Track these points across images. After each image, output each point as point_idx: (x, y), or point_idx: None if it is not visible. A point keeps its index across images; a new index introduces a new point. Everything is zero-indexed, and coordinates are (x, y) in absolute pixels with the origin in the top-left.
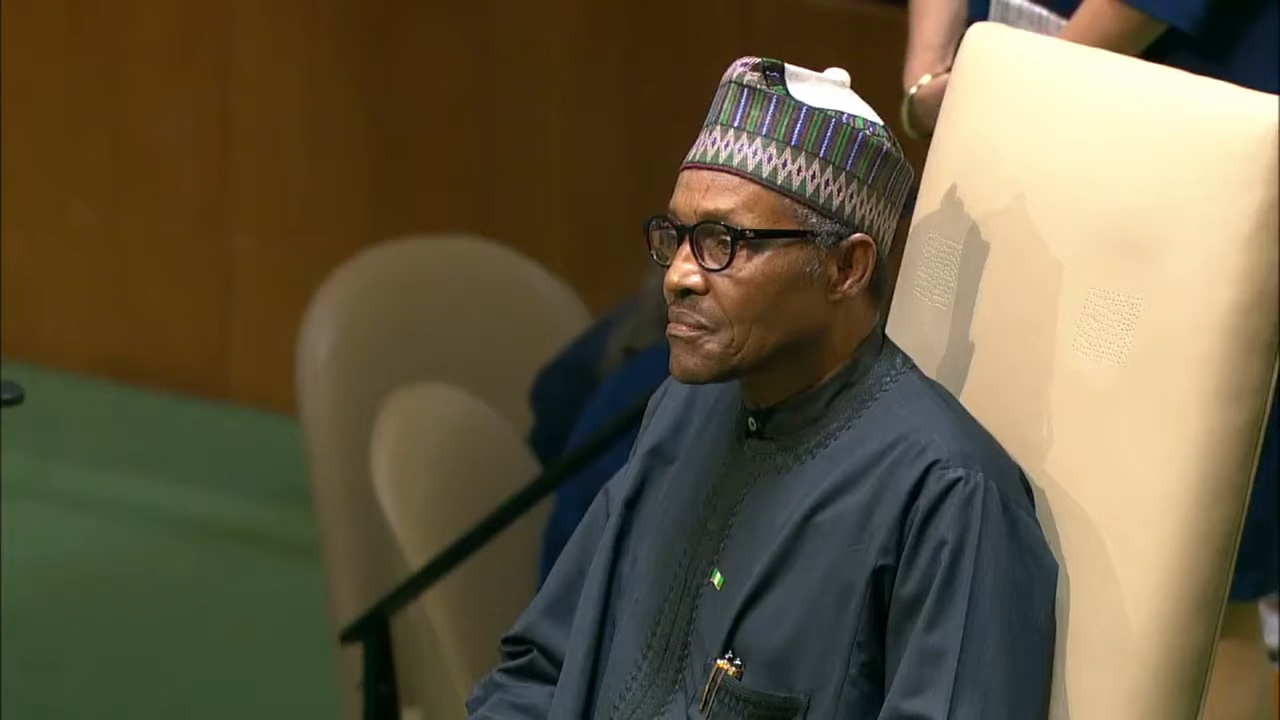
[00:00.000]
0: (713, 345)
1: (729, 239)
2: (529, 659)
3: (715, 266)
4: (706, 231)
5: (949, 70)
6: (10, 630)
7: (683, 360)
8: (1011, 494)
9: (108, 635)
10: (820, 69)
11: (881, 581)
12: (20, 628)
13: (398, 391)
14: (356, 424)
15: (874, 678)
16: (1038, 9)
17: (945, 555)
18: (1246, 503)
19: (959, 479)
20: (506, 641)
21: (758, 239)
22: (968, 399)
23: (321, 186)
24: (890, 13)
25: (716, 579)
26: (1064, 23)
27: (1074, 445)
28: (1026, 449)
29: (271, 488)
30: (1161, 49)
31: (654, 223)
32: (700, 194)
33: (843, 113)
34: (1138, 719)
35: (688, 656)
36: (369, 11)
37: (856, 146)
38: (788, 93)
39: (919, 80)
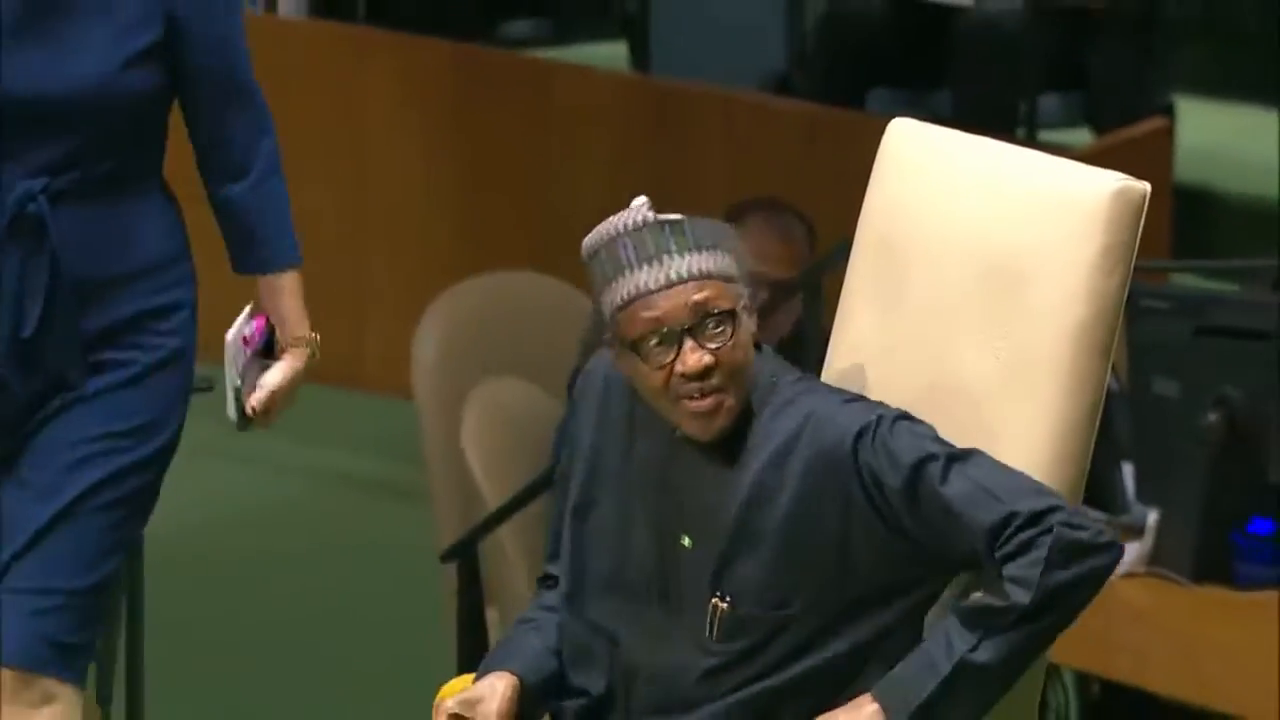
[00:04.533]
0: (732, 402)
1: (726, 322)
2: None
3: (718, 345)
4: (702, 324)
5: None
6: (199, 556)
7: (712, 424)
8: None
9: (274, 561)
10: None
11: (856, 507)
12: (209, 555)
13: (482, 383)
14: (453, 406)
15: (854, 579)
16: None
17: (902, 456)
18: (1088, 466)
19: (869, 421)
20: (542, 580)
21: (735, 314)
22: (888, 390)
23: (432, 232)
24: (840, 113)
25: (686, 541)
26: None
27: (965, 424)
28: (937, 424)
29: (396, 452)
30: None
31: (644, 345)
32: (682, 301)
33: (683, 216)
34: None
35: (677, 604)
36: (465, 103)
37: (710, 228)
38: (659, 220)
39: None
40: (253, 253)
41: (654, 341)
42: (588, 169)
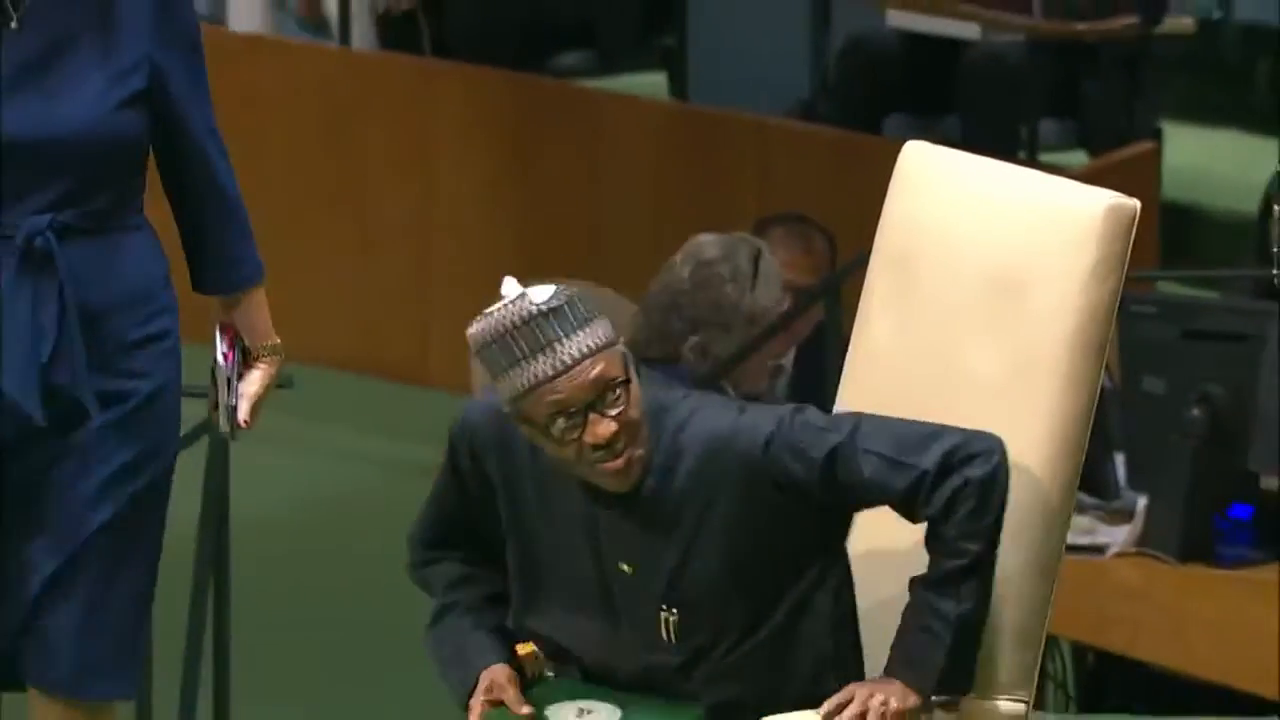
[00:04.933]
0: (640, 452)
1: (621, 388)
2: (447, 554)
3: (617, 411)
4: (602, 397)
5: None
6: (280, 540)
7: (629, 478)
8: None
9: (350, 545)
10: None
11: (780, 508)
12: (290, 539)
13: None
14: None
15: (785, 563)
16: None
17: (810, 453)
18: (1084, 457)
19: (771, 431)
20: (420, 545)
21: (628, 380)
22: (903, 387)
23: (492, 244)
24: (859, 137)
25: (625, 568)
26: None
27: (972, 419)
28: (946, 418)
29: None
30: None
31: (552, 426)
32: (580, 382)
33: (565, 293)
34: (1012, 606)
35: (617, 618)
36: (522, 127)
37: (585, 301)
38: (540, 309)
39: None
40: (226, 273)
41: (560, 422)
42: (633, 187)
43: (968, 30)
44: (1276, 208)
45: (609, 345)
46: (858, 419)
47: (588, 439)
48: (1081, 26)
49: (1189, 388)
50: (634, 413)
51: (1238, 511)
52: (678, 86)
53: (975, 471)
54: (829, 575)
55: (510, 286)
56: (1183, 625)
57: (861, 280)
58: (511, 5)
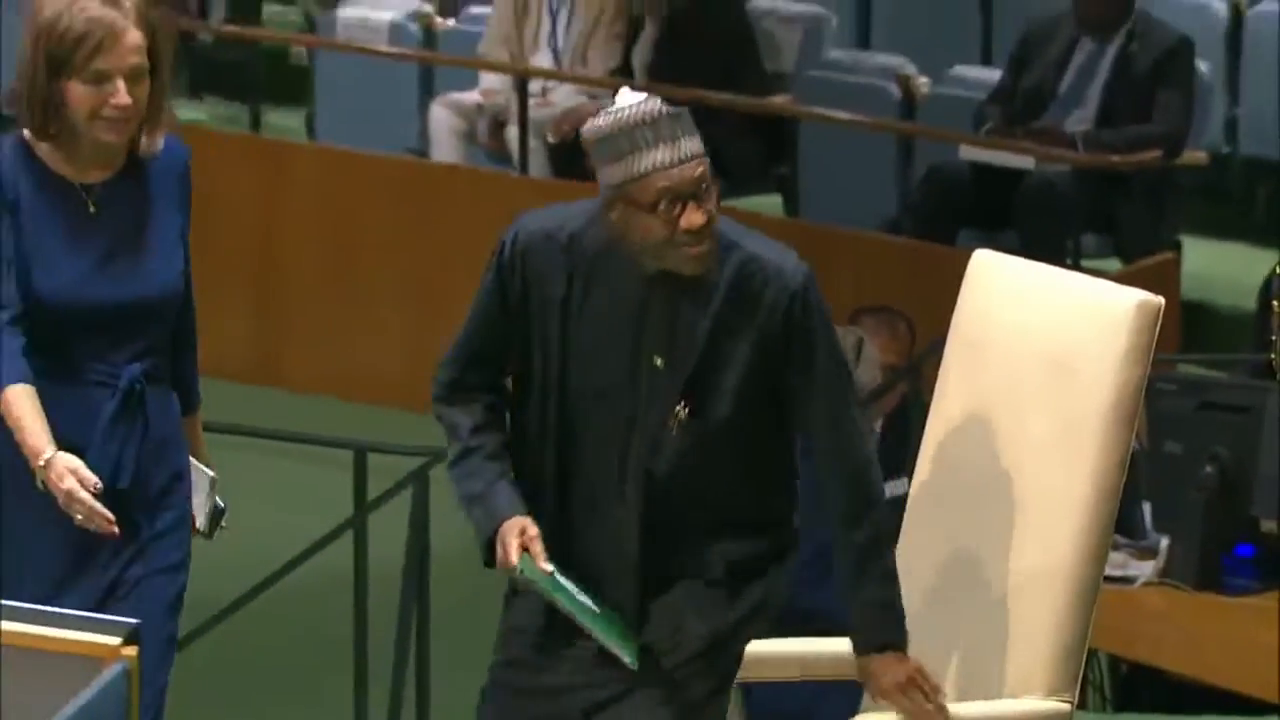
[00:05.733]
0: (712, 247)
1: (712, 187)
2: (470, 395)
3: (709, 205)
4: (700, 192)
5: None
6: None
7: (705, 263)
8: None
9: None
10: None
11: (780, 344)
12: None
13: None
14: None
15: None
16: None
17: (815, 329)
18: (1118, 504)
19: (799, 286)
20: (444, 386)
21: (714, 183)
22: (973, 447)
23: None
24: (936, 247)
25: (658, 361)
26: None
27: (1029, 473)
28: (1009, 473)
29: None
30: None
31: (657, 206)
32: (688, 174)
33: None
34: (1060, 623)
35: (637, 411)
36: None
37: (692, 119)
38: (667, 111)
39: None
40: (190, 399)
41: (664, 204)
42: None
43: (1024, 162)
44: (1275, 303)
45: (705, 155)
46: (848, 378)
47: (683, 223)
48: (1116, 159)
49: (1202, 450)
50: (715, 213)
51: (1242, 550)
52: (791, 206)
53: (881, 535)
54: (792, 459)
55: (628, 94)
56: (1198, 641)
57: (938, 362)
58: None
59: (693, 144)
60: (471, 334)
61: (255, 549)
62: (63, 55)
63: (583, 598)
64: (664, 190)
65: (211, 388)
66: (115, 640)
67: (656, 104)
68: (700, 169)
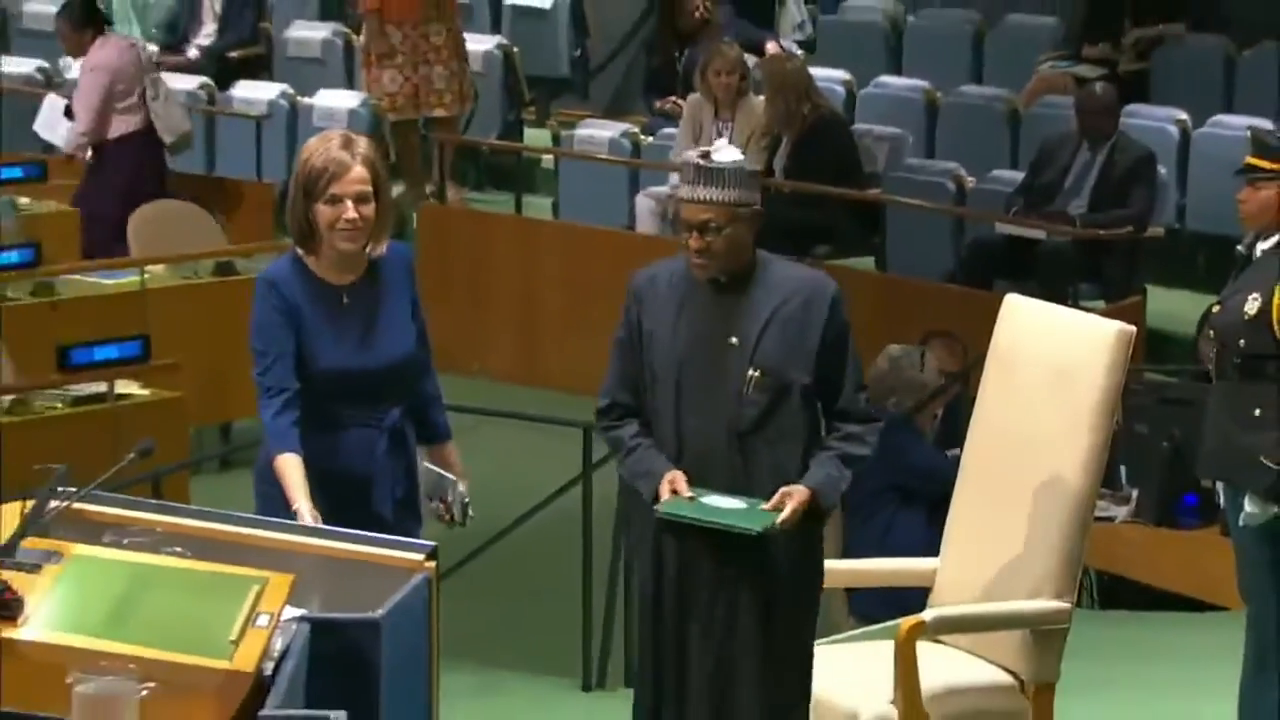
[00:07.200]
0: (714, 264)
1: (715, 231)
2: (628, 418)
3: (710, 238)
4: (702, 227)
5: None
6: None
7: (701, 271)
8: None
9: None
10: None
11: (822, 330)
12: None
13: None
14: None
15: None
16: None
17: (844, 331)
18: (1105, 467)
19: (836, 294)
20: (604, 412)
21: (722, 227)
22: (1004, 435)
23: None
24: (980, 293)
25: (734, 340)
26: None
27: (1044, 449)
28: (1030, 445)
29: None
30: None
31: (680, 226)
32: (692, 213)
33: (737, 163)
34: (1064, 547)
35: (722, 378)
36: None
37: (741, 176)
38: (717, 164)
39: None
40: (446, 434)
41: (684, 227)
42: (858, 327)
43: (1039, 234)
44: (1210, 332)
45: (730, 204)
46: (854, 358)
47: (690, 244)
48: (1102, 233)
49: (1162, 431)
50: (719, 246)
51: (1189, 499)
52: (880, 264)
53: (870, 442)
54: (818, 429)
55: (723, 144)
56: (1159, 561)
57: (981, 371)
58: (784, 218)
59: (713, 192)
60: (614, 364)
61: (516, 494)
62: (310, 184)
63: (725, 503)
64: (681, 217)
65: (490, 389)
66: (420, 556)
67: (722, 149)
68: (706, 214)
